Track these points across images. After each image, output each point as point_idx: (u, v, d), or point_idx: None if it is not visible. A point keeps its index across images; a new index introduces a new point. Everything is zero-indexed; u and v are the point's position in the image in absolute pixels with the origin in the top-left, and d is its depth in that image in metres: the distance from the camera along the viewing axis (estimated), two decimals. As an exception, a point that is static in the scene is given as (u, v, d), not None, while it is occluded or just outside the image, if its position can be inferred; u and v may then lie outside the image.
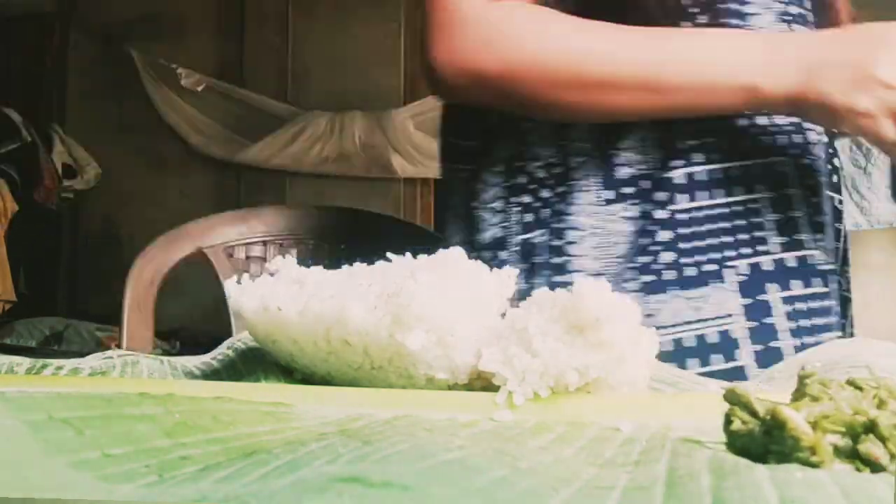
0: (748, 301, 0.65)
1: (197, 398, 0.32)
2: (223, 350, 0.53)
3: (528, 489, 0.22)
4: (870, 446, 0.24)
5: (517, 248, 0.70)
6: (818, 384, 0.28)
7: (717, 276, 0.65)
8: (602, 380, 0.37)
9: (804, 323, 0.65)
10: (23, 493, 0.21)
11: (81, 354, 0.60)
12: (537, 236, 0.70)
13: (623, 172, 0.68)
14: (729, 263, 0.66)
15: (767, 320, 0.65)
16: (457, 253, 0.44)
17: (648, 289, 0.66)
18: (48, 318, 3.33)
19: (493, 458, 0.25)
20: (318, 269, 0.44)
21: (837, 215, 0.71)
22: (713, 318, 0.65)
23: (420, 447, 0.25)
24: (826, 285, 0.66)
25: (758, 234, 0.66)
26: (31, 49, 3.76)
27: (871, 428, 0.25)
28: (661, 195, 0.67)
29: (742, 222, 0.67)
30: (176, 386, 0.40)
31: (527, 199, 0.71)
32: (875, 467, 0.24)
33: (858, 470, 0.24)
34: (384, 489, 0.21)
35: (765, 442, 0.25)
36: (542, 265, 0.68)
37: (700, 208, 0.67)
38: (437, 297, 0.38)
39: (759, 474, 0.23)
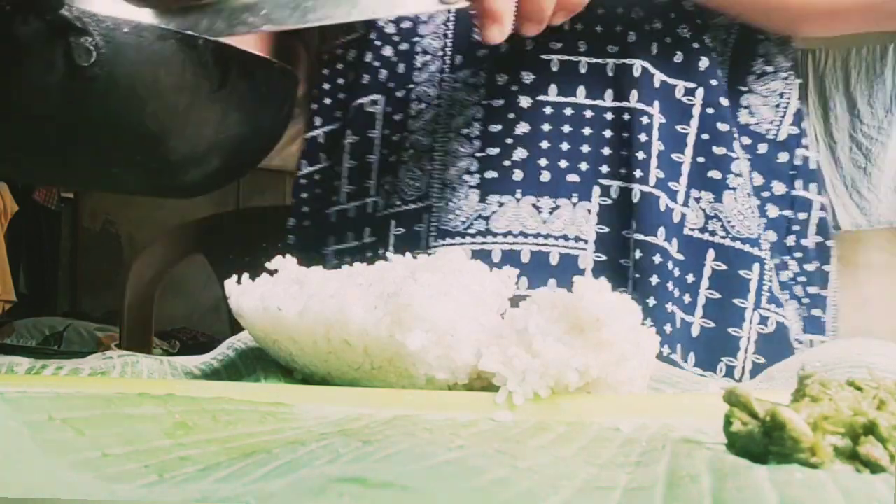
0: (603, 230, 0.62)
1: (197, 398, 0.32)
2: (223, 350, 0.53)
3: (528, 489, 0.22)
4: (870, 447, 0.24)
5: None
6: (818, 385, 0.28)
7: (577, 192, 0.62)
8: (602, 380, 0.37)
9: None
10: (23, 493, 0.21)
11: (81, 354, 0.60)
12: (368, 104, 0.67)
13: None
14: (600, 181, 0.62)
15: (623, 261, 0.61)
16: (457, 253, 0.44)
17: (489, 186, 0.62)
18: (48, 318, 3.33)
19: (493, 458, 0.25)
20: (318, 269, 0.44)
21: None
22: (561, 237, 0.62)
23: (420, 447, 0.25)
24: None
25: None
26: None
27: (870, 429, 0.25)
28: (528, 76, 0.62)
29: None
30: (176, 386, 0.40)
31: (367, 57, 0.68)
32: (875, 468, 0.24)
33: (858, 471, 0.24)
34: (384, 489, 0.21)
35: (765, 443, 0.25)
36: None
37: (584, 106, 0.63)
38: (437, 297, 0.38)
39: (759, 475, 0.23)
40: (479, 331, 0.39)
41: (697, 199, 0.63)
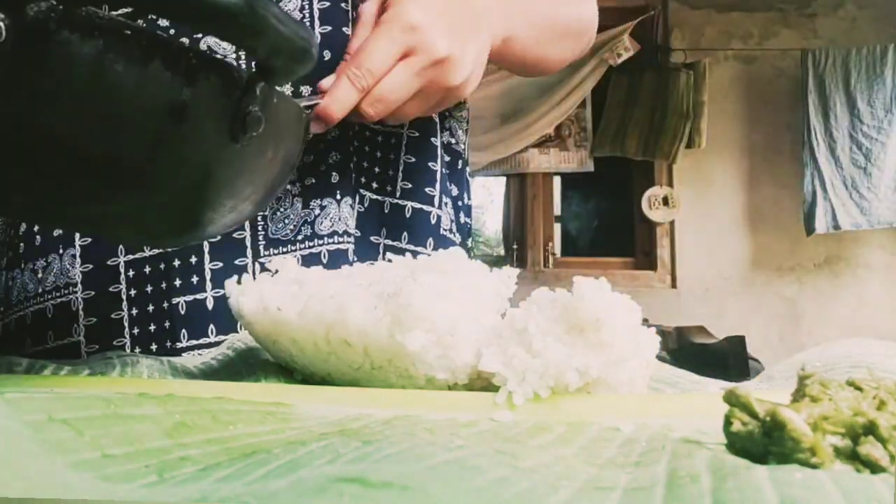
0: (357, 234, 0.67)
1: (197, 398, 0.32)
2: (223, 350, 0.54)
3: (528, 489, 0.22)
4: (870, 448, 0.24)
5: None
6: (818, 385, 0.28)
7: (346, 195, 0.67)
8: (602, 380, 0.37)
9: None
10: (23, 493, 0.21)
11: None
12: None
13: None
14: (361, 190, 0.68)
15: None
16: (457, 253, 0.44)
17: None
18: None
19: (493, 458, 0.25)
20: (318, 269, 0.44)
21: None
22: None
23: (420, 447, 0.25)
24: None
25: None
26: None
27: (871, 429, 0.25)
28: None
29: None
30: (176, 386, 0.40)
31: None
32: (875, 468, 0.24)
33: (858, 471, 0.24)
34: (384, 489, 0.21)
35: (764, 443, 0.25)
36: None
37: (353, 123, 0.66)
38: (437, 297, 0.38)
39: (759, 475, 0.23)
40: (479, 331, 0.39)
41: (446, 204, 0.72)
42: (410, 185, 0.69)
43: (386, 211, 0.68)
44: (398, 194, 0.69)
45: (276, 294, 0.42)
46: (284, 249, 0.65)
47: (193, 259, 0.63)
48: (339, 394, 0.38)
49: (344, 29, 0.66)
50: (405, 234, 0.68)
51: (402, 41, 0.55)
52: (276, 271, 0.45)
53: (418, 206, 0.69)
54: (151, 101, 0.31)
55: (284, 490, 0.21)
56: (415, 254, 0.65)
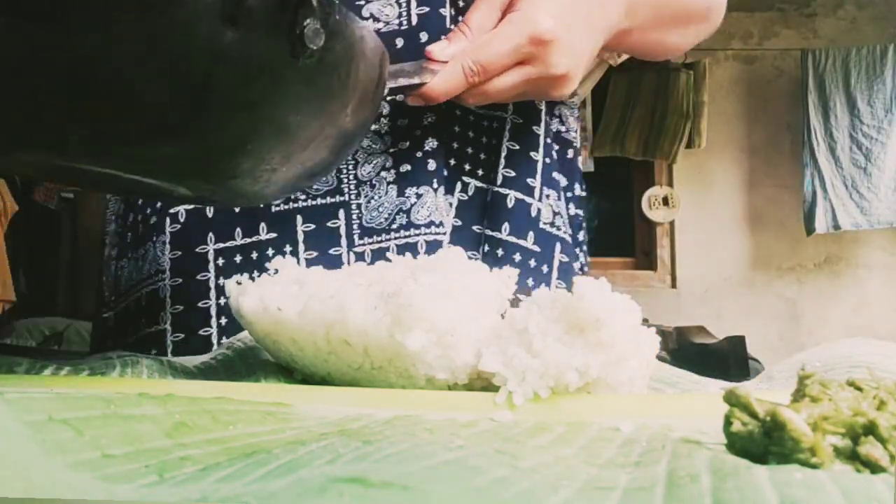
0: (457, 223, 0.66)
1: (197, 398, 0.32)
2: (223, 350, 0.53)
3: (528, 489, 0.22)
4: (870, 448, 0.24)
5: None
6: (818, 385, 0.28)
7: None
8: (602, 380, 0.37)
9: None
10: (23, 493, 0.21)
11: (81, 354, 0.60)
12: None
13: None
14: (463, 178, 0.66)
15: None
16: (457, 253, 0.44)
17: None
18: (48, 318, 3.33)
19: (493, 458, 0.25)
20: (318, 269, 0.44)
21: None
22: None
23: (420, 447, 0.25)
24: None
25: None
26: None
27: (870, 429, 0.25)
28: None
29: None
30: (176, 386, 0.40)
31: None
32: (875, 468, 0.24)
33: (858, 471, 0.24)
34: (384, 489, 0.21)
35: (764, 443, 0.25)
36: None
37: (455, 105, 0.65)
38: (437, 297, 0.38)
39: (759, 475, 0.23)
40: (479, 331, 0.39)
41: (548, 196, 0.69)
42: (513, 174, 0.67)
43: (488, 199, 0.67)
44: (499, 182, 0.67)
45: (276, 294, 0.42)
46: (379, 238, 0.63)
47: (288, 248, 0.63)
48: (339, 394, 0.38)
49: (441, 10, 0.65)
50: (506, 224, 0.66)
51: (525, 51, 0.55)
52: (276, 271, 0.45)
53: (520, 196, 0.67)
54: (206, 11, 0.29)
55: (284, 490, 0.21)
56: (515, 247, 0.66)
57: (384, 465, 0.23)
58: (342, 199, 0.64)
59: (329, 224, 0.63)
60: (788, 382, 0.41)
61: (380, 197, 0.64)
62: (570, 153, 0.74)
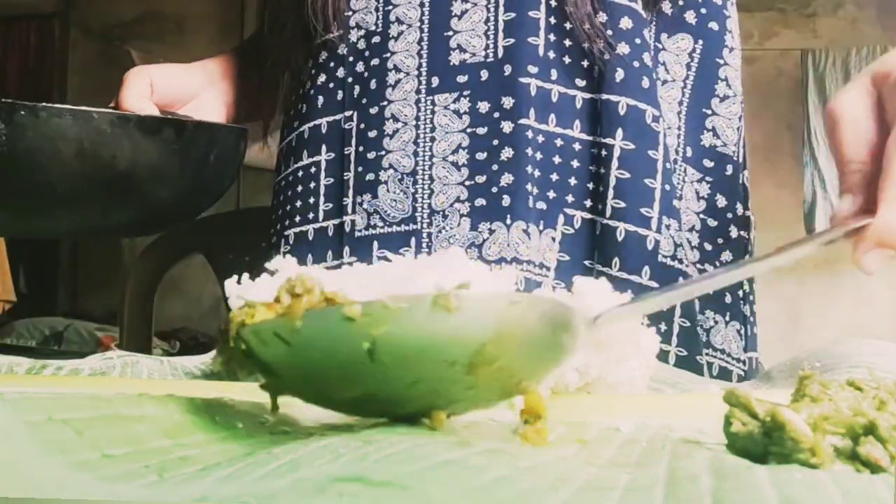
0: (564, 258, 0.63)
1: (197, 398, 0.32)
2: (223, 350, 0.53)
3: (529, 489, 0.22)
4: (870, 448, 0.24)
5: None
6: (818, 385, 0.28)
7: (543, 218, 0.63)
8: (602, 380, 0.37)
9: None
10: (22, 493, 0.21)
11: (81, 354, 0.61)
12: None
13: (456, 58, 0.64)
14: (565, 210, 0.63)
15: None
16: (457, 253, 0.44)
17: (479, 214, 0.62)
18: (48, 318, 3.33)
19: (493, 457, 0.25)
20: (318, 269, 0.44)
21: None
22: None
23: (420, 447, 0.25)
24: None
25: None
26: (32, 49, 3.76)
27: (871, 429, 0.25)
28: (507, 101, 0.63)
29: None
30: (176, 386, 0.40)
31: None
32: (875, 469, 0.24)
33: (858, 471, 0.24)
34: (384, 489, 0.21)
35: (765, 443, 0.25)
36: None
37: (555, 135, 0.64)
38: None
39: (759, 475, 0.23)
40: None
41: (668, 227, 0.64)
42: (623, 204, 0.63)
43: (597, 233, 0.63)
44: (608, 214, 0.63)
45: (276, 294, 0.42)
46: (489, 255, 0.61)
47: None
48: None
49: (531, 39, 0.63)
50: (616, 259, 0.62)
51: None
52: (276, 271, 0.45)
53: (632, 228, 0.62)
54: None
55: (284, 490, 0.21)
56: (626, 283, 0.61)
57: (384, 464, 0.23)
58: (415, 227, 0.64)
59: (400, 252, 0.62)
60: (788, 382, 0.41)
61: (451, 228, 0.63)
62: (730, 169, 0.67)
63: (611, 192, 0.63)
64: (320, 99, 0.70)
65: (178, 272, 1.08)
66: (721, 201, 0.67)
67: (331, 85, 0.69)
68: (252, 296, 0.43)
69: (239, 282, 0.45)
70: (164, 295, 1.05)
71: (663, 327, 0.62)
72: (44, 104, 0.53)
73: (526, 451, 0.28)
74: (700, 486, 0.22)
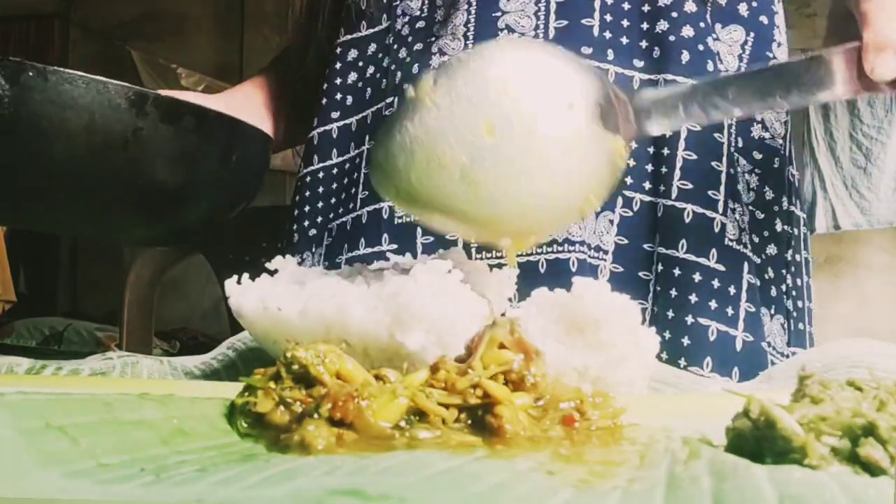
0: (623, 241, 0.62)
1: (196, 400, 0.32)
2: (223, 350, 0.53)
3: (527, 491, 0.22)
4: (869, 449, 0.24)
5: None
6: (818, 385, 0.28)
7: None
8: (602, 380, 0.37)
9: None
10: (19, 494, 0.21)
11: (81, 354, 0.60)
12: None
13: None
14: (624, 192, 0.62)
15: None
16: (457, 253, 0.44)
17: None
18: (48, 318, 3.32)
19: (491, 462, 0.25)
20: (318, 270, 0.44)
21: None
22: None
23: (417, 458, 0.25)
24: None
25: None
26: (31, 49, 3.76)
27: (870, 430, 0.24)
28: None
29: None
30: (176, 386, 0.39)
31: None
32: (875, 471, 0.24)
33: (857, 474, 0.24)
34: (382, 501, 0.21)
35: (758, 442, 0.25)
36: None
37: None
38: (437, 297, 0.38)
39: (759, 475, 0.23)
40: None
41: (733, 210, 0.62)
42: (690, 186, 0.61)
43: (659, 214, 0.62)
44: (674, 195, 0.61)
45: (276, 294, 0.42)
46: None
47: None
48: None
49: (585, 21, 0.62)
50: (683, 241, 0.60)
51: None
52: (276, 271, 0.45)
53: (699, 210, 0.61)
54: None
55: (281, 499, 0.21)
56: (694, 266, 0.60)
57: (382, 477, 0.23)
58: None
59: (447, 237, 0.61)
60: (788, 382, 0.41)
61: None
62: (777, 162, 0.66)
63: (677, 174, 0.61)
64: (368, 91, 0.69)
65: (178, 272, 1.08)
66: (769, 194, 0.66)
67: (377, 75, 0.68)
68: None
69: (239, 282, 0.45)
70: (164, 295, 1.04)
71: (730, 311, 0.60)
72: (55, 67, 0.47)
73: (523, 455, 0.28)
74: (700, 486, 0.22)
